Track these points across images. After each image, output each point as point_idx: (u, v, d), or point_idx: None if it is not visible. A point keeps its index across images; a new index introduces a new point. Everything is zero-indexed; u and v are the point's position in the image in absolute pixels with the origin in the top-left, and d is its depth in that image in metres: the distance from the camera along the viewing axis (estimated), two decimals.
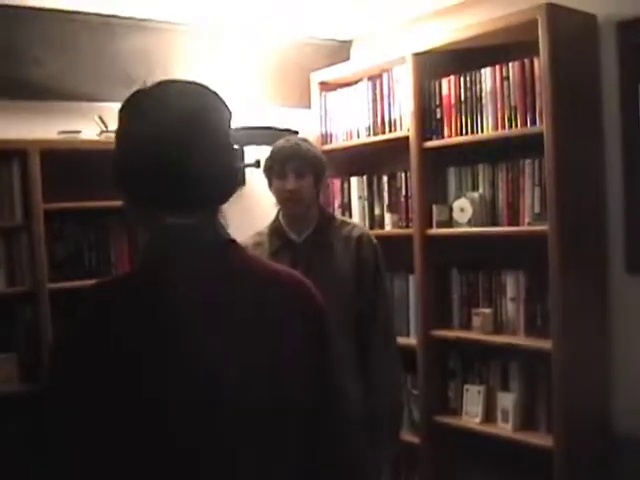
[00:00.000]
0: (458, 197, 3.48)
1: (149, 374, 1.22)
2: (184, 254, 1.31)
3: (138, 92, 1.35)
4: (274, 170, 2.73)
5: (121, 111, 1.36)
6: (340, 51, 4.45)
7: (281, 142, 2.77)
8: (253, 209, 3.64)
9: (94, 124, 3.54)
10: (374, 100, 3.88)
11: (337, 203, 4.09)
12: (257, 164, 3.85)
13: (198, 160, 1.28)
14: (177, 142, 1.27)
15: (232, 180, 1.39)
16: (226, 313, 1.30)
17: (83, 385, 1.22)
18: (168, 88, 1.35)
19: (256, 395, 1.28)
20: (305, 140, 2.86)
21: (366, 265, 2.76)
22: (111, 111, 3.61)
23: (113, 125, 3.73)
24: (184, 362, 1.24)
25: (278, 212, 2.84)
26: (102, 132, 3.53)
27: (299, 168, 2.68)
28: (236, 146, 1.40)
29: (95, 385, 1.21)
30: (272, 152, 2.77)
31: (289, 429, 1.33)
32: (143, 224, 1.40)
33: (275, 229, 2.81)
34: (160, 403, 1.22)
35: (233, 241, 1.39)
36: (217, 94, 1.38)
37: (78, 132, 3.48)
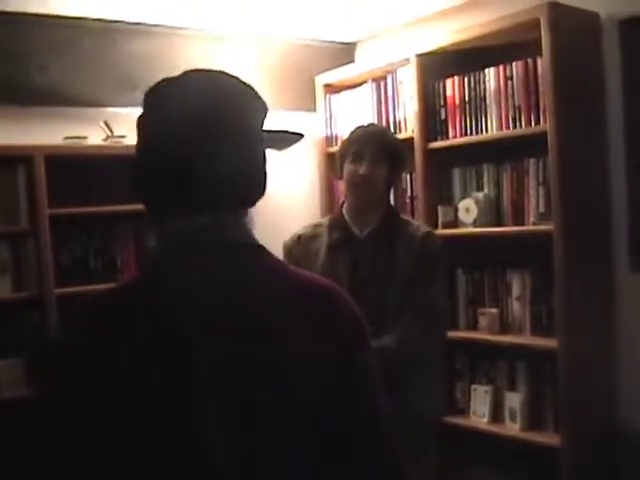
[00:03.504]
0: (463, 197, 3.49)
1: (131, 407, 1.10)
2: (192, 257, 1.17)
3: (160, 82, 1.23)
4: (350, 152, 2.53)
5: (143, 103, 1.24)
6: (344, 53, 4.46)
7: (364, 125, 2.63)
8: (259, 214, 3.64)
9: (100, 129, 3.55)
10: (378, 102, 3.89)
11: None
12: None
13: (218, 159, 1.16)
14: (191, 137, 1.15)
15: (258, 181, 1.24)
16: (236, 328, 1.15)
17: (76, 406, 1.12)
18: (191, 78, 1.22)
19: (259, 436, 1.13)
20: (389, 130, 2.71)
21: (425, 263, 2.50)
22: (116, 116, 3.63)
23: (118, 130, 3.76)
24: (174, 399, 1.11)
25: (342, 204, 2.65)
26: (108, 137, 3.55)
27: (377, 154, 2.50)
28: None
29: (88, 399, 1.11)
30: (353, 133, 2.61)
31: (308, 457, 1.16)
32: (156, 226, 1.25)
33: (336, 221, 2.60)
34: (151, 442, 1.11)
35: (259, 246, 1.24)
36: (250, 87, 1.25)
37: (84, 138, 3.49)
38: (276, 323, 1.17)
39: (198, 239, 1.18)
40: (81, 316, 1.21)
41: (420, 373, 2.55)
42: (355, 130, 2.62)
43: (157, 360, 1.11)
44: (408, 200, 3.77)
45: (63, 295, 3.31)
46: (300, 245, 2.60)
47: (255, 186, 1.24)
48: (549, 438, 3.14)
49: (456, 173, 3.59)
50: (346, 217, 2.58)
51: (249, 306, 1.17)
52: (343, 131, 4.05)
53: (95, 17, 3.60)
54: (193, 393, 1.11)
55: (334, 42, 4.43)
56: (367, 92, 3.94)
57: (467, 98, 3.44)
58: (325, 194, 4.09)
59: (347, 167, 2.54)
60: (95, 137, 3.55)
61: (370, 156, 2.49)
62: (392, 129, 3.78)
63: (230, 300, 1.16)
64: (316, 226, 2.66)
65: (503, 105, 3.28)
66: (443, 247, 2.62)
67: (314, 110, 4.17)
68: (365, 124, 2.64)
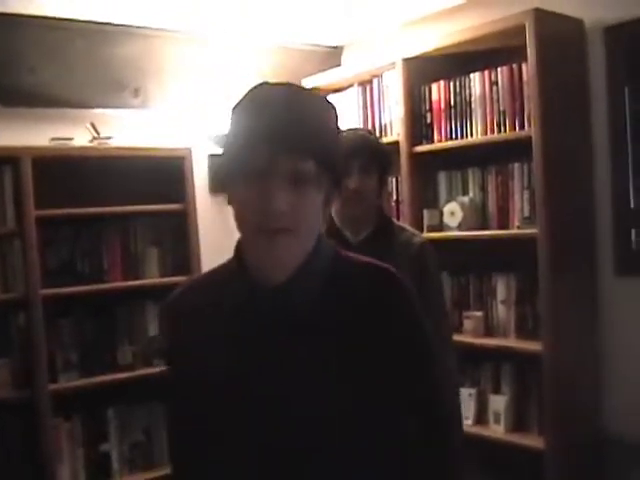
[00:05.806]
0: (448, 201, 3.51)
1: None
2: None
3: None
4: None
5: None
6: (331, 57, 4.47)
7: (345, 134, 2.45)
8: None
9: (86, 131, 3.54)
10: (365, 105, 3.91)
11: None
12: None
13: None
14: None
15: None
16: None
17: None
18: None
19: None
20: (371, 133, 2.61)
21: (427, 277, 2.44)
22: (103, 118, 3.63)
23: (105, 132, 3.73)
24: None
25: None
26: (94, 139, 3.54)
27: (365, 164, 2.43)
28: None
29: None
30: None
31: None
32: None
33: (327, 226, 2.46)
34: None
35: None
36: None
37: (70, 139, 3.48)
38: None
39: None
40: None
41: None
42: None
43: None
44: (394, 204, 3.78)
45: (49, 296, 3.31)
46: None
47: None
48: (533, 441, 3.16)
49: (442, 177, 3.61)
50: (337, 223, 2.53)
51: None
52: None
53: (85, 19, 3.60)
54: None
55: (321, 46, 4.45)
56: (353, 96, 3.96)
57: (452, 102, 3.46)
58: None
59: None
60: (81, 138, 3.55)
61: (359, 168, 2.42)
62: (378, 133, 3.80)
63: None
64: None
65: (488, 110, 3.30)
66: (438, 260, 2.57)
67: None
68: (347, 130, 2.51)
